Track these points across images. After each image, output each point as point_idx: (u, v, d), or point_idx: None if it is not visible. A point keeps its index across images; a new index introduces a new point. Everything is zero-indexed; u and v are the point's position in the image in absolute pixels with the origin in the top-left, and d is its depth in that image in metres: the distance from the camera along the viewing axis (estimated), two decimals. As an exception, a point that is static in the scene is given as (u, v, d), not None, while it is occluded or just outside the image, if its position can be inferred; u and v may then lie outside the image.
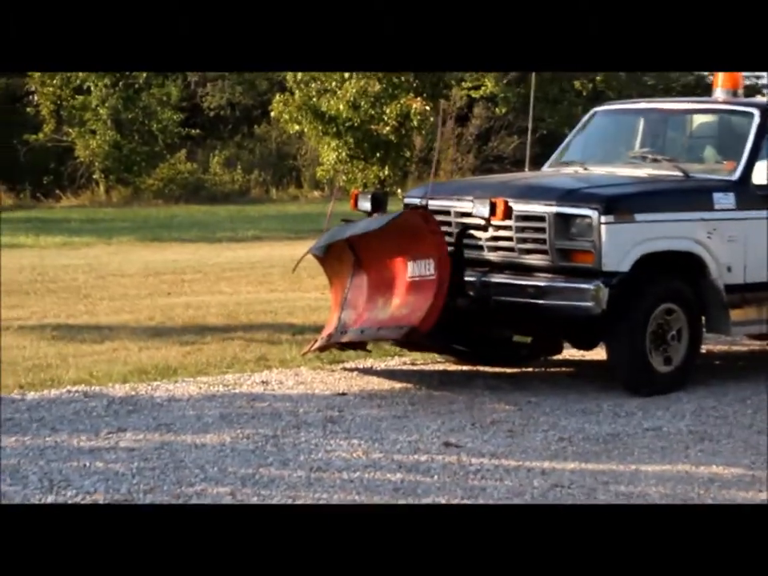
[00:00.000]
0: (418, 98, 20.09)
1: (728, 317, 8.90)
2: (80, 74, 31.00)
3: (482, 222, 8.68)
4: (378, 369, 9.40)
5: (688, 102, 10.46)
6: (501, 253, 8.85)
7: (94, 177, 31.77)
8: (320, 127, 20.00)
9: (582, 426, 7.74)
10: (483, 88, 33.08)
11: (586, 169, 9.82)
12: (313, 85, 20.10)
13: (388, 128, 20.33)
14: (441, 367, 9.51)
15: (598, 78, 34.09)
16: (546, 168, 10.44)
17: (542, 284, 8.53)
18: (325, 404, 8.14)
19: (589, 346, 9.25)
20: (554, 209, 8.55)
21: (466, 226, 8.88)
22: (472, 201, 8.74)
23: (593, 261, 8.45)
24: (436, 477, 6.58)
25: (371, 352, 9.51)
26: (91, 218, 25.98)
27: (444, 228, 9.14)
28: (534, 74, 13.23)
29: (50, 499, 5.99)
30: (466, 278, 8.72)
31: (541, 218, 8.60)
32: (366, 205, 9.17)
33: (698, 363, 9.05)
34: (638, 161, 9.79)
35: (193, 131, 34.02)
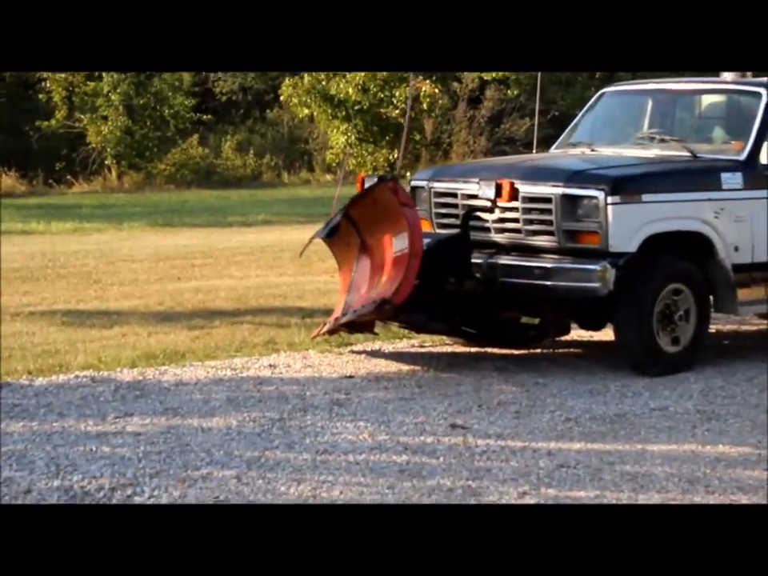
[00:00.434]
0: (427, 81, 20.02)
1: (736, 296, 8.88)
2: (91, 60, 30.98)
3: (488, 204, 8.67)
4: (386, 351, 9.41)
5: (696, 82, 10.38)
6: (507, 234, 8.84)
7: (106, 163, 31.80)
8: (329, 111, 19.98)
9: (589, 407, 7.74)
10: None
11: (593, 150, 9.80)
12: (320, 68, 20.06)
13: (397, 111, 20.29)
14: (449, 349, 9.51)
15: (610, 59, 33.86)
16: (553, 149, 10.42)
17: (548, 265, 8.52)
18: (332, 387, 8.15)
19: (596, 327, 9.26)
20: (561, 190, 8.54)
21: (473, 208, 8.87)
22: (478, 183, 8.73)
23: (599, 242, 8.43)
24: (442, 458, 6.59)
25: (378, 335, 9.52)
26: (103, 203, 26.02)
27: (451, 210, 9.17)
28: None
29: (55, 484, 6.02)
30: (473, 260, 8.72)
31: (547, 200, 8.59)
32: (372, 188, 9.16)
33: (707, 343, 9.03)
34: (646, 141, 9.75)
35: (205, 116, 34.03)
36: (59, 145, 32.86)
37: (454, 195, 9.14)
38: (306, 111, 20.21)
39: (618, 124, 10.51)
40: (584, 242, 8.52)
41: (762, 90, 9.38)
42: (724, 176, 8.96)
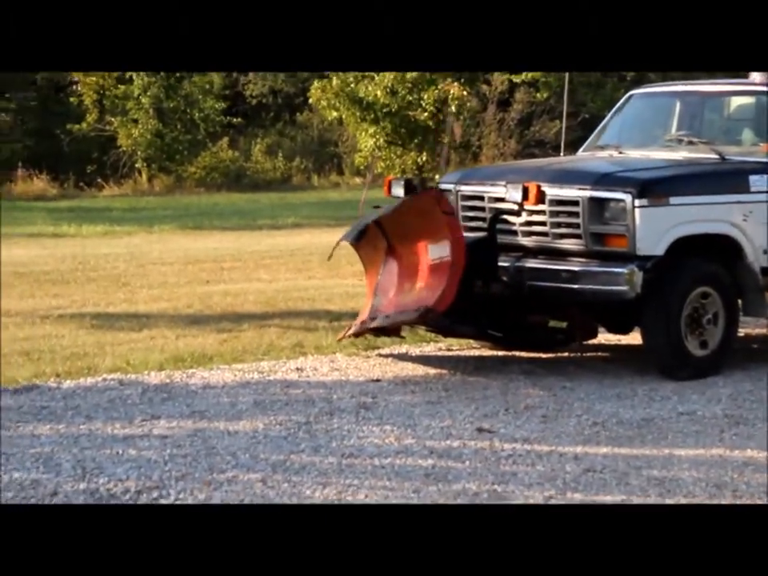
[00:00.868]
0: (456, 83, 19.98)
1: (764, 300, 8.83)
2: (122, 63, 31.15)
3: (515, 207, 8.66)
4: (413, 354, 9.41)
5: (725, 84, 10.33)
6: (534, 238, 8.82)
7: (137, 166, 31.93)
8: (358, 113, 19.96)
9: (616, 411, 7.71)
10: (524, 72, 32.89)
11: (620, 152, 9.77)
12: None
13: (426, 114, 20.27)
14: (476, 353, 9.50)
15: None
16: (581, 152, 10.40)
17: (576, 268, 8.50)
18: (358, 390, 8.15)
19: (624, 331, 9.23)
20: (588, 193, 8.51)
21: (500, 211, 8.86)
22: (505, 186, 8.72)
23: (627, 245, 8.40)
24: (468, 462, 6.58)
25: (405, 338, 9.51)
26: (133, 206, 26.13)
27: (478, 213, 9.16)
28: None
29: (82, 486, 6.05)
30: (500, 263, 8.71)
31: (574, 203, 8.57)
32: (399, 191, 9.16)
33: (735, 347, 8.99)
34: (674, 144, 9.72)
35: (235, 119, 34.13)
36: (90, 148, 33.03)
37: (481, 198, 9.13)
38: (335, 114, 20.20)
39: (646, 126, 10.47)
40: (611, 245, 8.50)
41: (792, 92, 9.34)
42: (752, 178, 8.90)
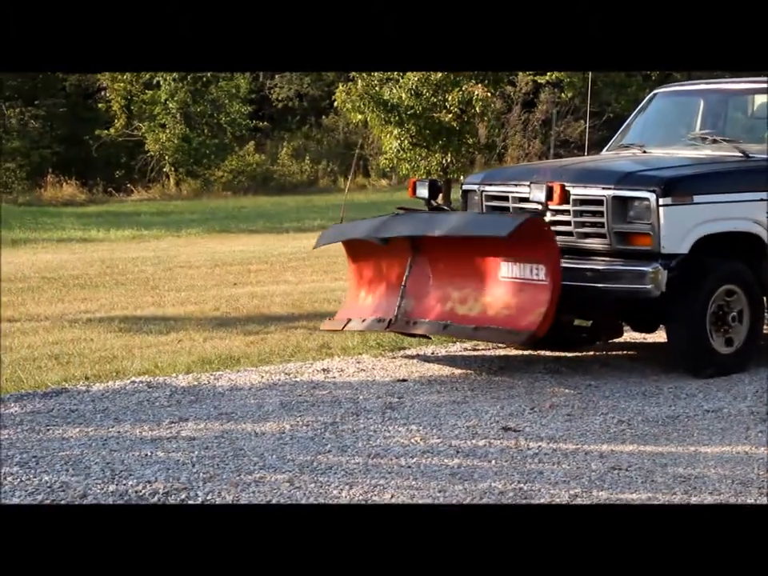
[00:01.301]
0: (480, 85, 19.99)
1: (789, 297, 8.83)
2: (148, 68, 31.34)
3: (540, 207, 8.67)
4: (439, 355, 9.44)
5: (748, 82, 10.31)
6: (559, 237, 8.81)
7: (164, 170, 32.12)
8: (382, 116, 19.99)
9: (642, 409, 7.73)
10: (549, 73, 32.88)
11: (644, 151, 9.77)
12: (375, 73, 20.10)
13: (450, 115, 20.29)
14: (501, 352, 9.53)
15: (666, 60, 33.70)
16: (605, 151, 10.41)
17: (600, 267, 8.51)
18: (384, 390, 8.19)
19: (649, 329, 9.24)
20: (612, 192, 8.53)
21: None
22: (529, 185, 8.73)
23: (651, 243, 8.41)
24: (493, 461, 6.60)
25: (431, 338, 9.54)
26: (161, 210, 26.28)
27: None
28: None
29: (111, 489, 6.10)
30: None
31: (598, 202, 8.59)
32: (423, 192, 9.21)
33: (761, 344, 8.99)
34: (698, 142, 9.71)
35: (261, 123, 34.26)
36: (118, 153, 33.26)
37: (505, 198, 9.16)
38: (360, 116, 20.23)
39: (670, 125, 10.47)
40: (636, 243, 8.51)
41: (816, 90, 9.33)
42: (776, 176, 8.90)
